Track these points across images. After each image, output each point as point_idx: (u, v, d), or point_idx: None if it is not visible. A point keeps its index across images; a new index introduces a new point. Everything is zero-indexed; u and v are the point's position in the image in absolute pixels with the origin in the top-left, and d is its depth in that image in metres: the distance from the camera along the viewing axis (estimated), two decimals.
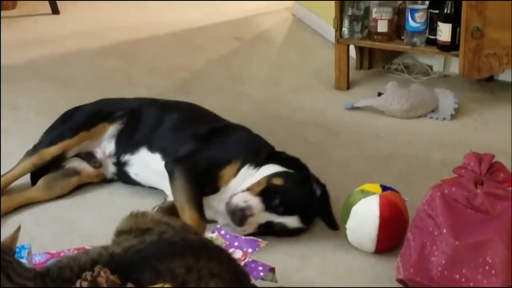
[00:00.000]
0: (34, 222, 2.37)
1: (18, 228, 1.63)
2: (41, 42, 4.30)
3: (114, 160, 2.54)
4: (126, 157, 2.51)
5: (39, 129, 2.69)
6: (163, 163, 2.37)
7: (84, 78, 3.72)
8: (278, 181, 2.25)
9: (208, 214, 2.28)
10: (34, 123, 3.08)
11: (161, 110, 2.56)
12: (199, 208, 2.21)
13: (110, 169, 2.57)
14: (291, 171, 2.30)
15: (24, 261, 1.89)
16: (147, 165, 2.45)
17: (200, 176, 2.28)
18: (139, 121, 2.53)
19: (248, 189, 2.23)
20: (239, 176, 2.31)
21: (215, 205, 2.30)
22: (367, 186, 2.19)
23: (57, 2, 4.89)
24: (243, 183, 2.29)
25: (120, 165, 2.53)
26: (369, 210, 2.12)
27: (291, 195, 2.23)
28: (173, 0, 5.13)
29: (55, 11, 4.88)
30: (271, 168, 2.31)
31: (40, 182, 2.52)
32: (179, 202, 2.23)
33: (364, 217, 2.12)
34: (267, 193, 2.21)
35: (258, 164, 2.33)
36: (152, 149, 2.45)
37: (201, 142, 2.38)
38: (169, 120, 2.50)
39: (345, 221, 2.17)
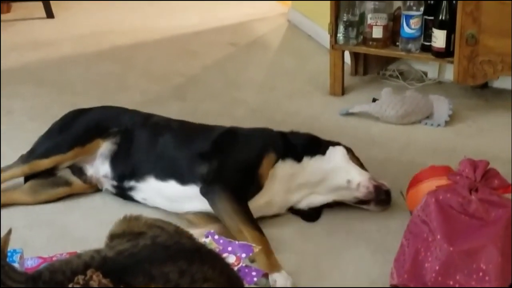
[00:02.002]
0: (26, 226, 2.36)
1: (9, 231, 1.62)
2: (36, 46, 4.30)
3: (114, 183, 2.48)
4: (131, 184, 2.44)
5: (33, 134, 2.67)
6: (180, 188, 2.35)
7: (79, 83, 3.71)
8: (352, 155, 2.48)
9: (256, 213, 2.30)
10: (28, 128, 3.07)
11: (153, 133, 2.49)
12: (256, 226, 2.20)
13: (107, 188, 2.52)
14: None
15: (16, 265, 1.88)
16: (160, 193, 2.40)
17: (240, 185, 2.28)
18: (132, 144, 2.47)
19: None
20: (279, 169, 2.35)
21: (263, 202, 2.32)
22: None
23: (52, 6, 4.89)
24: (297, 174, 2.37)
25: (123, 190, 2.48)
26: None
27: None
28: (170, 1, 5.14)
29: (50, 15, 4.88)
30: (333, 151, 2.44)
31: (27, 185, 2.50)
32: (232, 225, 2.20)
33: None
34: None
35: (294, 152, 2.39)
36: (162, 177, 2.39)
37: (218, 155, 2.36)
38: (165, 143, 2.45)
39: None
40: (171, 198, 2.39)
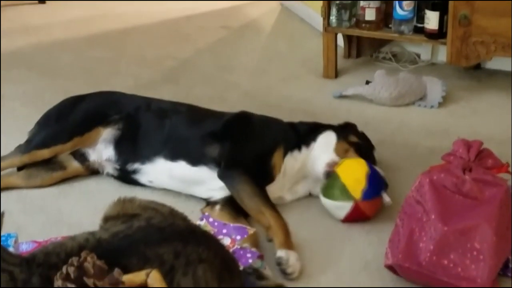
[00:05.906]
0: (21, 211, 2.35)
1: (2, 214, 1.61)
2: (27, 31, 4.27)
3: (117, 166, 2.47)
4: (136, 166, 2.44)
5: (25, 119, 2.66)
6: (191, 169, 2.35)
7: (71, 68, 3.69)
8: (354, 139, 2.45)
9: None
10: (20, 113, 3.06)
11: (159, 115, 2.49)
12: (275, 207, 2.22)
13: (109, 171, 2.51)
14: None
15: (10, 249, 1.88)
16: (170, 174, 2.39)
17: (255, 172, 2.28)
18: (139, 128, 2.46)
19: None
20: (288, 162, 2.35)
21: (279, 193, 2.33)
22: (351, 180, 2.21)
23: None
24: (299, 165, 2.37)
25: (127, 173, 2.47)
26: (337, 213, 2.26)
27: (369, 145, 2.48)
28: None
29: None
30: (327, 135, 2.42)
31: (23, 170, 2.49)
32: (253, 206, 2.21)
33: (332, 213, 2.28)
34: (360, 151, 2.40)
35: (299, 143, 2.39)
36: (171, 157, 2.38)
37: (230, 137, 2.36)
38: (173, 124, 2.45)
39: (324, 193, 2.28)
40: (181, 179, 2.39)
